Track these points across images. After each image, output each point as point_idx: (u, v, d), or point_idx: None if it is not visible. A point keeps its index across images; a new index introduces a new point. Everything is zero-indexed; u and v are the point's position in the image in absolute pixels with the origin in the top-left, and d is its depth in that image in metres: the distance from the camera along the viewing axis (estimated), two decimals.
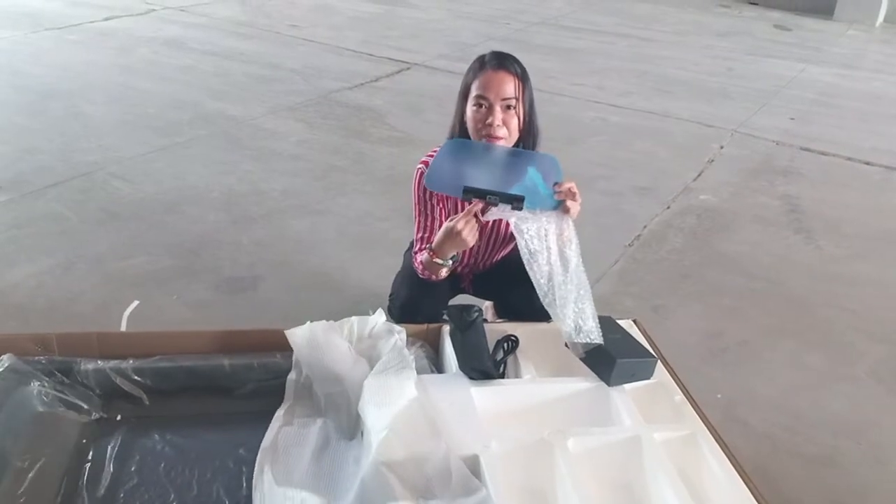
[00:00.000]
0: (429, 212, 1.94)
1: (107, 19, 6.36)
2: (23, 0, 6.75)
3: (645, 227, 3.32)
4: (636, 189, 3.70)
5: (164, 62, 5.31)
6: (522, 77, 1.79)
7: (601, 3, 8.28)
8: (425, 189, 1.88)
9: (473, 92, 1.78)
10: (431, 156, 1.90)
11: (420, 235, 1.95)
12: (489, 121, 1.78)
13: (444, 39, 6.36)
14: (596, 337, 1.65)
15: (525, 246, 1.67)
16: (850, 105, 5.33)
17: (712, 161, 4.13)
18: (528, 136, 1.86)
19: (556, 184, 1.71)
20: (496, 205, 1.69)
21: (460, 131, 1.88)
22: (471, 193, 1.70)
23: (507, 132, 1.80)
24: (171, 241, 2.96)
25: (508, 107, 1.78)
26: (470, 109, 1.81)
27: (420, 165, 1.91)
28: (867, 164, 4.23)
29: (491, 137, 1.79)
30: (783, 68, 6.15)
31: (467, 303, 1.87)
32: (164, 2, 7.02)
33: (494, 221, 1.96)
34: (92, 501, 1.59)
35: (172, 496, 1.63)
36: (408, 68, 5.48)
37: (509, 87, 1.76)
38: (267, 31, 6.31)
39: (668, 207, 3.52)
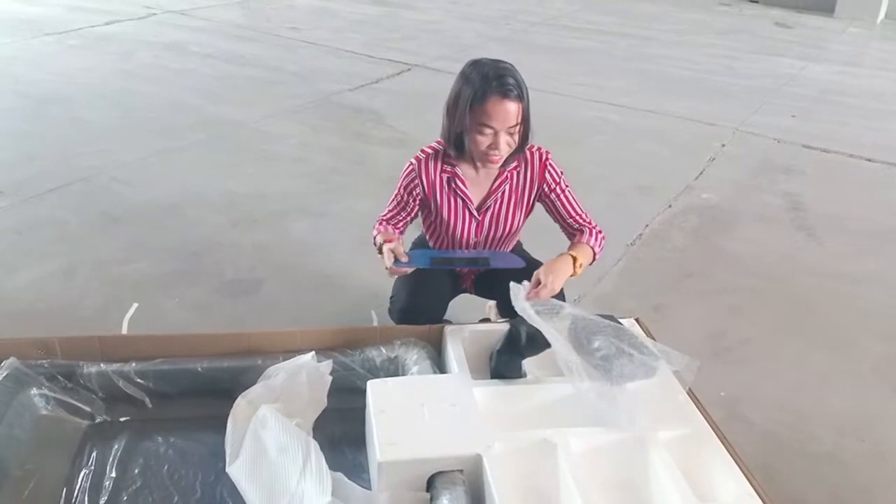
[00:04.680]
0: (404, 203, 2.03)
1: (107, 24, 6.36)
2: (23, 6, 6.76)
3: (647, 226, 3.31)
4: (638, 188, 3.70)
5: (164, 66, 5.32)
6: (523, 97, 1.81)
7: (602, 3, 8.28)
8: (412, 180, 1.98)
9: (478, 117, 1.80)
10: (425, 152, 1.98)
11: (384, 216, 2.05)
12: (494, 149, 1.84)
13: (444, 40, 6.36)
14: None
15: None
16: (851, 102, 5.32)
17: (714, 159, 4.12)
18: (522, 146, 1.90)
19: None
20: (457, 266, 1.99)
21: (455, 141, 1.89)
22: (438, 262, 1.98)
23: (508, 151, 1.87)
24: (172, 245, 2.96)
25: (511, 133, 1.83)
26: (474, 133, 1.83)
27: (413, 161, 1.98)
28: (869, 160, 4.22)
29: (491, 159, 1.86)
30: (784, 66, 6.14)
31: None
32: (165, 6, 7.02)
33: (492, 218, 2.02)
34: None
35: (176, 499, 1.64)
36: (408, 70, 5.48)
37: (514, 115, 1.80)
38: (267, 34, 6.32)
39: (670, 206, 3.52)
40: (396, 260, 1.86)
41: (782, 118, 4.84)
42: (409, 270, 1.90)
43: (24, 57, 5.39)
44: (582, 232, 1.99)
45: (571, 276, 1.87)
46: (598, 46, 6.52)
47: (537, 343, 1.75)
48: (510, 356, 1.77)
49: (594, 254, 1.96)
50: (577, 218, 2.01)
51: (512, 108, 1.78)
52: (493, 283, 2.03)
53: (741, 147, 4.33)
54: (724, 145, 4.33)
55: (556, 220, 2.04)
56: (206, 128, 4.20)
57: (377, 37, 6.37)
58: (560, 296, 1.88)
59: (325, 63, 5.57)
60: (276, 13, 7.09)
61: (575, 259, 1.87)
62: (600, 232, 2.00)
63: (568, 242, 2.01)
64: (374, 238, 1.97)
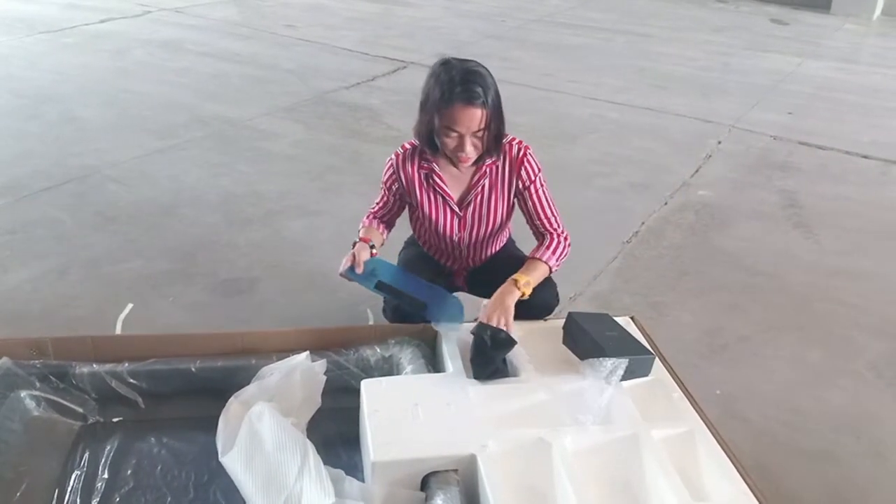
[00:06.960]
0: (387, 199, 2.07)
1: (102, 22, 6.34)
2: (18, 4, 6.75)
3: (643, 223, 3.31)
4: (634, 185, 3.69)
5: (159, 64, 5.30)
6: (489, 102, 1.79)
7: (598, 0, 8.27)
8: (390, 176, 2.02)
9: (444, 120, 1.80)
10: (404, 147, 1.99)
11: (373, 210, 2.09)
12: (460, 151, 1.84)
13: (440, 38, 6.35)
14: None
15: None
16: (847, 99, 5.32)
17: (710, 156, 4.12)
18: (494, 145, 1.89)
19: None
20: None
21: (429, 139, 1.89)
22: (382, 289, 1.93)
23: (475, 153, 1.86)
24: (166, 244, 2.95)
25: (477, 136, 1.82)
26: (442, 136, 1.84)
27: (392, 157, 2.01)
28: (865, 157, 4.22)
29: (461, 159, 1.87)
30: (780, 63, 6.14)
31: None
32: (160, 3, 7.00)
33: (475, 212, 2.01)
34: None
35: (169, 499, 1.63)
36: (404, 67, 5.47)
37: (477, 120, 1.79)
38: (262, 32, 6.30)
39: (666, 203, 3.51)
40: (352, 268, 1.87)
41: (779, 115, 4.84)
42: (353, 282, 1.92)
43: (19, 55, 5.37)
44: (543, 239, 1.98)
45: (521, 297, 1.84)
46: (595, 43, 6.51)
47: (503, 343, 1.77)
48: (481, 360, 1.77)
49: (549, 268, 1.94)
50: (545, 221, 1.99)
51: (476, 114, 1.77)
52: (486, 281, 2.03)
53: (737, 144, 4.32)
54: (720, 142, 4.33)
55: (526, 219, 2.03)
56: (201, 126, 4.19)
57: (373, 34, 6.35)
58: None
59: (321, 61, 5.56)
60: (272, 11, 7.08)
61: (517, 282, 1.85)
62: (566, 240, 1.98)
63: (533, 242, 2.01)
64: (359, 231, 2.01)
